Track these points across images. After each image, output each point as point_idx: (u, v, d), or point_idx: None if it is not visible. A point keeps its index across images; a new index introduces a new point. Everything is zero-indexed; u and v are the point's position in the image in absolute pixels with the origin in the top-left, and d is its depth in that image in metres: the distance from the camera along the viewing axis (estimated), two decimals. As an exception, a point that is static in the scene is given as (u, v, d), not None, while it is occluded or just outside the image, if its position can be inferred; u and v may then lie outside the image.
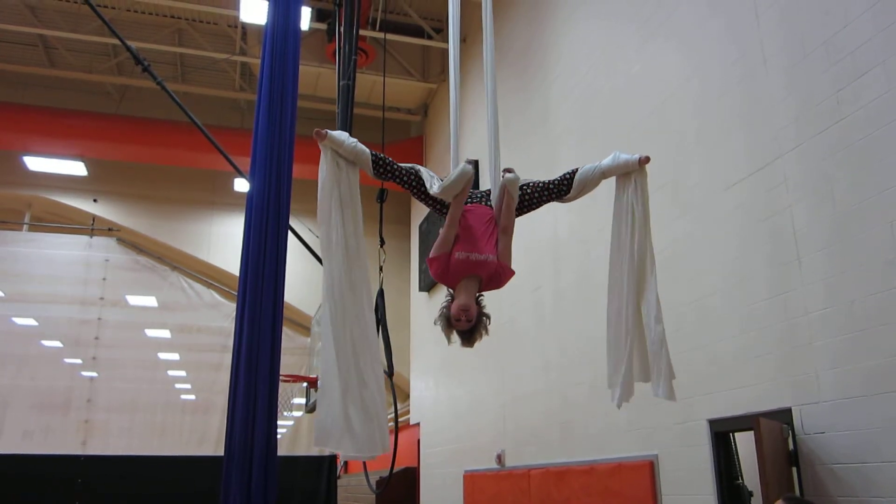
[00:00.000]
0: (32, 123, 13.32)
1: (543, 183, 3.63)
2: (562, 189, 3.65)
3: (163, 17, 13.49)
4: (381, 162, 3.43)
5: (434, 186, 3.42)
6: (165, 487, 10.11)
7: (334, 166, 3.34)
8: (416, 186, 3.49)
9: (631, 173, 3.76)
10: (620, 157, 3.72)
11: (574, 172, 3.67)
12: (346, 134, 3.40)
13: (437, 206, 3.57)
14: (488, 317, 3.43)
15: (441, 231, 3.38)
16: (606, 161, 3.73)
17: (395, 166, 3.46)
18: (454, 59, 3.92)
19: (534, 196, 3.63)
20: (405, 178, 3.46)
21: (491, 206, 3.58)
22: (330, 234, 3.26)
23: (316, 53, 12.93)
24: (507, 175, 3.46)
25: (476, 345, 3.51)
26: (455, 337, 3.43)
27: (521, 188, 3.58)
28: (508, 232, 3.49)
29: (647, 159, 3.73)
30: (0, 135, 13.24)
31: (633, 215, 3.70)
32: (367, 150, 3.41)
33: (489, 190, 3.67)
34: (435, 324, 3.47)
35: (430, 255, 3.39)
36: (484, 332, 3.42)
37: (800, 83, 4.98)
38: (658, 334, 3.52)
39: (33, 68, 14.19)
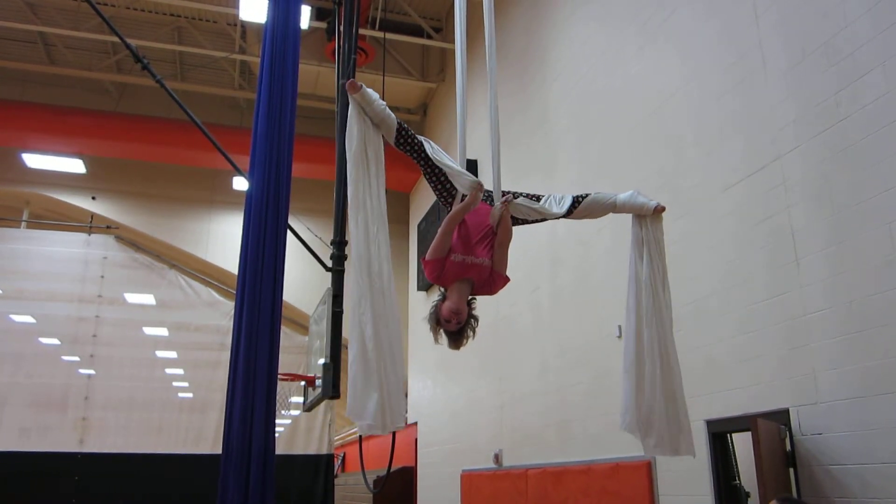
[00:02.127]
0: (31, 120, 13.30)
1: (551, 213, 3.63)
2: (569, 210, 3.64)
3: (162, 15, 13.48)
4: (404, 132, 3.39)
5: (440, 156, 3.39)
6: (163, 485, 10.11)
7: (361, 122, 3.29)
8: (433, 170, 3.46)
9: (645, 216, 3.77)
10: (638, 199, 3.74)
11: (585, 197, 3.66)
12: (378, 95, 3.34)
13: (444, 194, 3.53)
14: (476, 319, 3.41)
15: (438, 233, 3.36)
16: (623, 196, 3.74)
17: (417, 140, 3.41)
18: (461, 58, 3.92)
19: (537, 218, 3.65)
20: (423, 156, 3.43)
21: (492, 204, 3.56)
22: (356, 191, 3.22)
23: (315, 52, 12.93)
24: (497, 208, 3.45)
25: (470, 345, 3.50)
26: (442, 337, 3.42)
27: (523, 208, 3.59)
28: (505, 245, 3.48)
29: (664, 208, 3.74)
30: (-1, 132, 13.22)
31: (650, 259, 3.71)
32: (394, 117, 3.36)
33: (492, 191, 3.65)
34: (427, 321, 3.45)
35: (427, 258, 3.37)
36: (471, 334, 3.41)
37: (799, 85, 4.98)
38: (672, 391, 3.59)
39: (32, 65, 14.18)
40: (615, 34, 7.60)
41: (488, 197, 3.59)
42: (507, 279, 3.49)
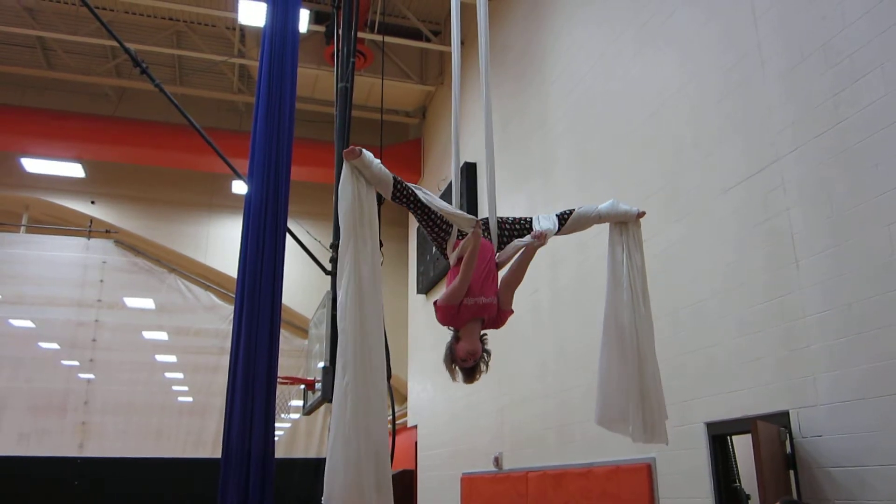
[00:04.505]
0: (30, 125, 13.31)
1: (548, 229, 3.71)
2: (557, 228, 3.75)
3: (161, 19, 13.48)
4: (400, 185, 3.42)
5: (434, 201, 3.42)
6: (162, 490, 10.10)
7: (356, 184, 3.29)
8: (427, 215, 3.50)
9: (627, 223, 3.94)
10: (620, 207, 3.90)
11: (571, 213, 3.79)
12: (372, 154, 3.36)
13: (441, 235, 3.54)
14: (489, 353, 3.50)
15: (453, 283, 3.38)
16: (604, 206, 3.89)
17: (410, 190, 3.44)
18: (456, 61, 3.94)
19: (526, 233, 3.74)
20: (418, 205, 3.46)
21: (490, 238, 3.60)
22: (344, 258, 3.20)
23: (314, 56, 12.94)
24: (536, 244, 3.56)
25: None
26: (458, 373, 3.49)
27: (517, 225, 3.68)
28: (514, 287, 3.59)
29: (643, 214, 3.94)
30: (-2, 136, 13.22)
31: (629, 260, 3.88)
32: (390, 175, 3.39)
33: (486, 218, 3.70)
34: (443, 361, 3.51)
35: (440, 303, 3.41)
36: (484, 368, 3.50)
37: (797, 87, 4.99)
38: (654, 386, 3.70)
39: (31, 70, 14.18)
40: (614, 36, 7.61)
41: (485, 230, 3.63)
42: (511, 312, 3.62)
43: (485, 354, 3.46)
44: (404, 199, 3.45)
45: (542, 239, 3.55)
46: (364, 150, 3.31)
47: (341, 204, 3.29)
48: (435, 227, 3.54)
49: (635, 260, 3.87)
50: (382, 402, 3.11)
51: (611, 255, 3.96)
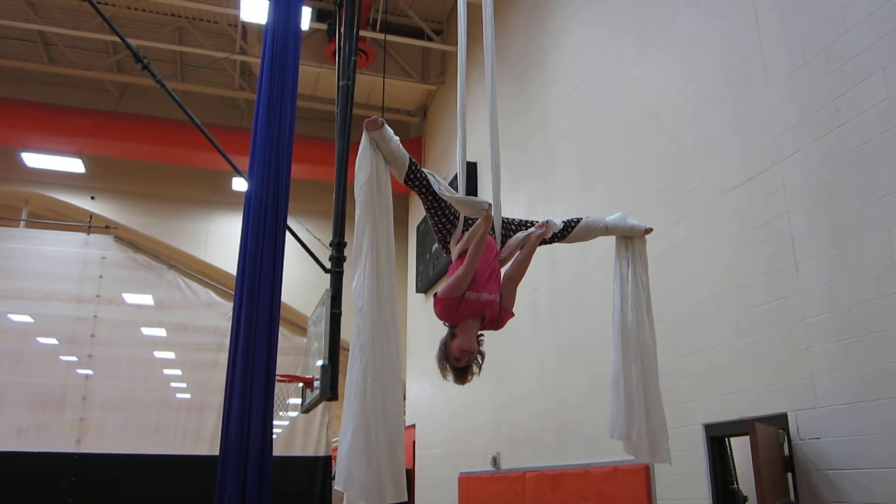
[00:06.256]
0: (31, 120, 13.31)
1: (551, 236, 3.70)
2: (563, 234, 3.73)
3: (163, 15, 13.49)
4: (414, 168, 3.35)
5: (444, 189, 3.37)
6: (160, 486, 10.10)
7: (373, 158, 3.21)
8: (436, 203, 3.43)
9: (633, 238, 3.92)
10: (628, 221, 3.89)
11: (578, 221, 3.76)
12: (392, 131, 3.29)
13: (448, 225, 3.48)
14: (483, 355, 3.40)
15: (457, 272, 3.27)
16: (612, 219, 3.86)
17: (423, 175, 3.36)
18: (462, 63, 3.94)
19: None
20: (429, 192, 3.38)
21: (494, 235, 3.55)
22: (362, 236, 3.11)
23: (316, 53, 12.93)
24: (538, 231, 3.53)
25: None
26: (449, 373, 3.39)
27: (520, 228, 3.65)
28: (516, 281, 3.50)
29: (650, 230, 3.93)
30: (-2, 131, 13.22)
31: (634, 276, 3.86)
32: (407, 155, 3.32)
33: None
34: (436, 358, 3.43)
35: (440, 295, 3.29)
36: (477, 370, 3.40)
37: (799, 89, 4.99)
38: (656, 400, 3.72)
39: (33, 65, 14.18)
40: (615, 37, 7.60)
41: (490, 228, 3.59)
42: (512, 315, 3.50)
43: (479, 356, 3.35)
44: (416, 183, 3.36)
45: (544, 228, 3.50)
46: (386, 124, 3.24)
47: (358, 177, 3.20)
48: (442, 217, 3.46)
49: (640, 277, 3.85)
50: (398, 386, 3.00)
51: (616, 271, 3.93)
